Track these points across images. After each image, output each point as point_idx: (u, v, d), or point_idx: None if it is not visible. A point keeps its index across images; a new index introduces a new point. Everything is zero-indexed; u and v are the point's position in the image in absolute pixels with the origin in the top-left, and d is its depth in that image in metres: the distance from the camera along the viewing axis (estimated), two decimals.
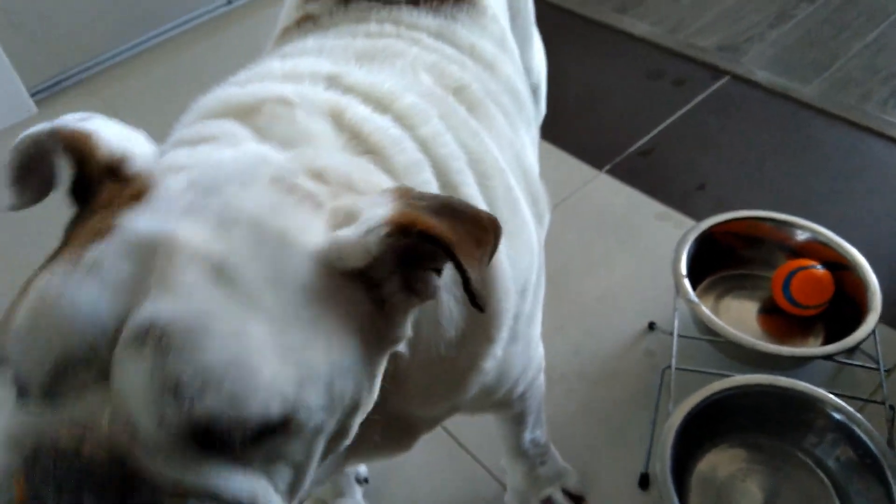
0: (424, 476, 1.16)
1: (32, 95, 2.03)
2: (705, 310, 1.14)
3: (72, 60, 2.11)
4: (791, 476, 1.05)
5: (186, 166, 0.49)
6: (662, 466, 0.97)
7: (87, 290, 0.41)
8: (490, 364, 0.65)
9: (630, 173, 1.61)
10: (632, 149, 1.68)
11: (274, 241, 0.45)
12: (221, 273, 0.42)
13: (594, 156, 1.66)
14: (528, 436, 0.99)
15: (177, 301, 0.41)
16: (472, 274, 0.46)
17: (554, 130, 1.59)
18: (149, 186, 0.47)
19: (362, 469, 1.14)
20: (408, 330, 0.52)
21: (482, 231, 0.49)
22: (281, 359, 0.42)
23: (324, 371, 0.45)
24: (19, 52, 1.96)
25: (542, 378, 0.90)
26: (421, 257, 0.49)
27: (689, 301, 1.16)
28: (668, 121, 1.74)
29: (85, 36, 2.09)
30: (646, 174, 1.61)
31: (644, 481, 1.10)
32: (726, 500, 1.05)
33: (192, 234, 0.43)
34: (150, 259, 0.42)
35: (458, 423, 1.20)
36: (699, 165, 1.62)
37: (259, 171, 0.49)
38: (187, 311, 0.41)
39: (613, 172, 1.62)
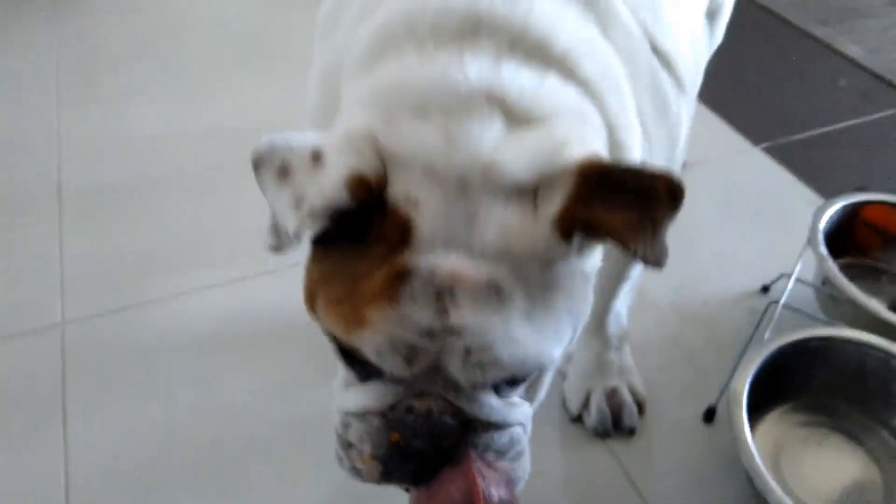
0: None
1: None
2: (832, 263, 1.05)
3: None
4: (873, 455, 0.95)
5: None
6: (738, 391, 0.90)
7: (417, 315, 0.55)
8: None
9: (788, 157, 1.52)
10: (796, 136, 1.58)
11: (523, 257, 0.56)
12: (492, 288, 0.55)
13: (752, 131, 1.58)
14: (616, 304, 0.95)
15: (472, 310, 0.55)
16: (643, 251, 0.53)
17: (716, 99, 1.54)
18: (409, 222, 0.56)
19: None
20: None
21: (658, 207, 0.55)
22: (539, 338, 0.57)
23: (566, 339, 0.61)
24: None
25: None
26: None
27: (818, 253, 1.07)
28: (844, 123, 1.63)
29: None
30: (805, 162, 1.51)
31: (710, 415, 1.03)
32: (790, 459, 0.96)
33: (464, 267, 0.55)
34: (443, 290, 0.55)
35: None
36: (865, 170, 1.51)
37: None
38: (481, 312, 0.55)
39: (770, 151, 1.54)
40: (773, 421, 0.99)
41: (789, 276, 1.09)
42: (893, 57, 1.89)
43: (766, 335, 1.01)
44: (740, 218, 1.38)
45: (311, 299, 0.65)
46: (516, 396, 0.63)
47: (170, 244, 1.31)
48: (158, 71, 1.78)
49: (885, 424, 0.95)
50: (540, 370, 0.62)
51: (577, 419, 1.02)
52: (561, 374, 1.08)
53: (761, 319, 1.08)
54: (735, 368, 1.00)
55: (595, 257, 0.63)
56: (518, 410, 0.63)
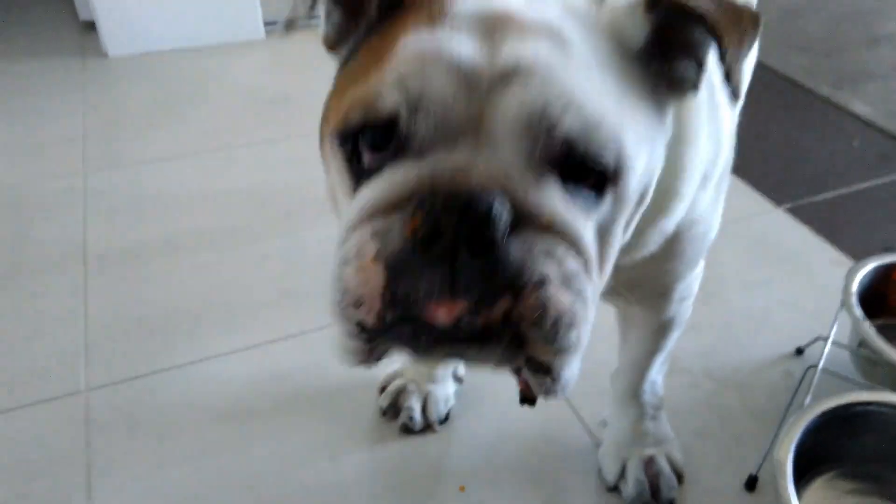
0: (515, 404, 1.10)
1: (265, 24, 2.25)
2: (868, 326, 1.04)
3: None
4: None
5: None
6: (782, 459, 0.87)
7: (457, 45, 0.48)
8: (677, 208, 0.64)
9: (811, 218, 1.52)
10: (818, 197, 1.59)
11: (579, 14, 0.51)
12: (553, 34, 0.49)
13: (775, 193, 1.58)
14: (651, 374, 0.93)
15: (531, 47, 0.48)
16: (733, 52, 0.49)
17: (736, 162, 1.54)
18: None
19: (461, 368, 1.11)
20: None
21: (744, 19, 0.52)
22: (614, 108, 0.49)
23: (644, 136, 0.52)
24: None
25: (691, 301, 0.85)
26: (685, 45, 0.54)
27: (853, 315, 1.06)
28: (864, 184, 1.63)
29: None
30: (829, 223, 1.51)
31: (752, 483, 0.99)
32: None
33: (518, 7, 0.50)
34: (494, 25, 0.49)
35: None
36: (889, 230, 1.51)
37: None
38: (541, 53, 0.48)
39: (793, 212, 1.54)
40: (819, 488, 0.95)
41: (825, 339, 1.07)
42: None
43: (806, 399, 0.99)
44: (767, 279, 1.37)
45: (326, 117, 0.57)
46: (584, 219, 0.49)
47: (192, 308, 1.31)
48: (182, 135, 1.81)
49: None
50: (616, 158, 0.49)
51: (614, 489, 0.99)
52: (595, 442, 1.06)
53: (800, 384, 1.05)
54: (776, 435, 0.97)
55: (667, 116, 0.56)
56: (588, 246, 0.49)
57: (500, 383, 1.14)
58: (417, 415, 1.05)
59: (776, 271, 1.39)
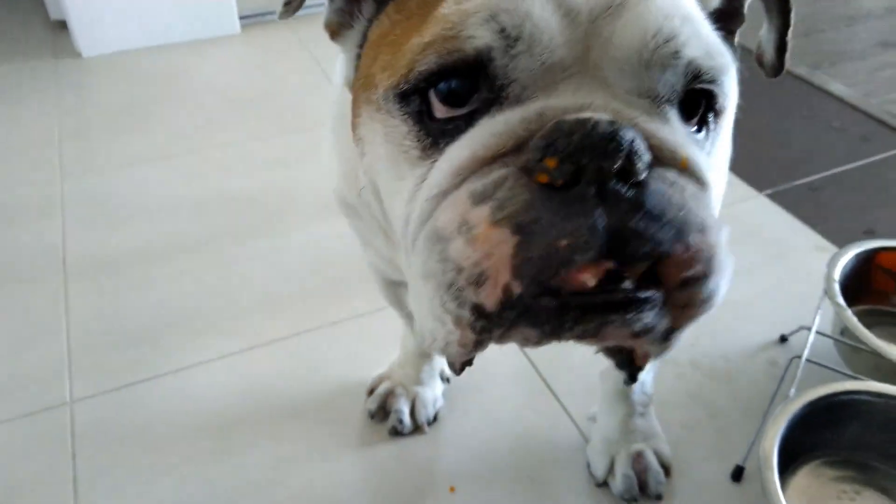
0: (504, 403, 1.11)
1: (241, 18, 2.22)
2: (850, 314, 1.04)
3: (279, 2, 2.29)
4: None
5: None
6: (768, 450, 0.88)
7: None
8: None
9: (793, 203, 1.53)
10: (800, 181, 1.59)
11: None
12: None
13: (756, 179, 1.59)
14: (641, 375, 0.93)
15: None
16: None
17: None
18: None
19: (447, 368, 1.11)
20: None
21: None
22: (717, 40, 0.46)
23: (731, 67, 0.48)
24: None
25: None
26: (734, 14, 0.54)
27: (836, 303, 1.06)
28: (846, 166, 1.64)
29: None
30: (811, 208, 1.52)
31: (738, 474, 1.00)
32: None
33: None
34: None
35: (551, 365, 1.16)
36: (871, 213, 1.51)
37: None
38: None
39: (774, 198, 1.54)
40: (805, 477, 0.96)
41: (809, 328, 1.08)
42: (887, 98, 1.91)
43: (791, 390, 0.99)
44: (751, 266, 1.38)
45: (367, 83, 0.48)
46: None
47: (175, 315, 1.30)
48: (159, 136, 1.79)
49: None
50: (728, 88, 0.47)
51: (603, 485, 0.99)
52: (584, 439, 1.06)
53: (784, 375, 1.06)
54: (762, 427, 0.98)
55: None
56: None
57: (487, 382, 1.14)
58: (406, 417, 1.05)
59: (759, 258, 1.39)
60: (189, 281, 1.36)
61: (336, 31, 0.55)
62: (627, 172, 0.38)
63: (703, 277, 0.40)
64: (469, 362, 0.48)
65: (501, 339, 0.42)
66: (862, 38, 2.24)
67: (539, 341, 0.42)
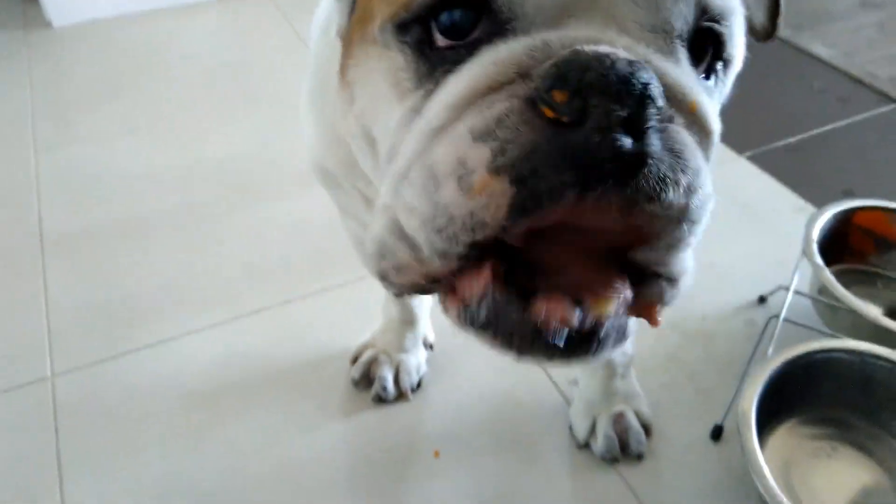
0: (487, 368, 1.12)
1: None
2: (828, 273, 1.05)
3: None
4: (884, 466, 0.94)
5: None
6: (746, 409, 0.89)
7: None
8: None
9: (773, 164, 1.53)
10: (779, 143, 1.59)
11: None
12: None
13: (736, 141, 1.59)
14: None
15: None
16: None
17: None
18: None
19: (431, 335, 1.12)
20: None
21: None
22: None
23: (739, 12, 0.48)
24: None
25: None
26: None
27: (814, 263, 1.07)
28: (825, 128, 1.64)
29: None
30: (790, 169, 1.52)
31: (717, 433, 1.02)
32: (800, 474, 0.95)
33: None
34: None
35: None
36: (849, 174, 1.52)
37: None
38: None
39: (754, 160, 1.55)
40: (782, 436, 0.98)
41: (787, 288, 1.09)
42: (867, 59, 1.91)
43: (769, 350, 1.01)
44: (731, 228, 1.38)
45: (363, 16, 0.46)
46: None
47: (157, 286, 1.29)
48: (136, 108, 1.76)
49: (894, 434, 0.95)
50: (737, 30, 0.47)
51: (585, 446, 1.01)
52: (566, 401, 1.07)
53: (762, 335, 1.07)
54: (740, 386, 0.99)
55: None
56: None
57: (470, 348, 1.15)
58: (390, 384, 1.06)
59: (739, 220, 1.40)
60: (169, 253, 1.35)
61: None
62: (638, 120, 0.35)
63: (696, 222, 0.41)
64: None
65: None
66: None
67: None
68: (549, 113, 0.35)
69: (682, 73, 0.41)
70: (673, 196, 0.38)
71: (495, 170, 0.36)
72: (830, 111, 1.70)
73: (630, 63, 0.35)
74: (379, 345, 1.08)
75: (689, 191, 0.39)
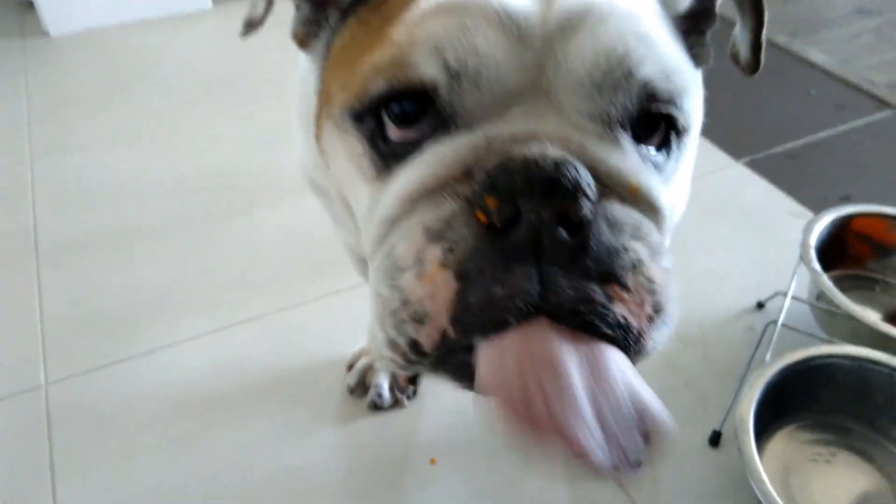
0: None
1: None
2: (826, 279, 1.05)
3: None
4: (883, 471, 0.93)
5: None
6: (744, 415, 0.89)
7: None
8: None
9: (770, 170, 1.53)
10: (777, 149, 1.59)
11: None
12: None
13: (733, 147, 1.59)
14: None
15: None
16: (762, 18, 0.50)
17: None
18: None
19: None
20: None
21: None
22: (676, 54, 0.45)
23: (692, 86, 0.47)
24: None
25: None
26: (705, 16, 0.53)
27: (812, 269, 1.07)
28: (822, 134, 1.64)
29: None
30: (788, 175, 1.52)
31: (716, 439, 1.01)
32: (799, 480, 0.94)
33: None
34: None
35: None
36: (847, 179, 1.52)
37: None
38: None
39: (752, 166, 1.55)
40: (781, 441, 0.97)
41: (784, 294, 1.08)
42: (863, 65, 1.91)
43: (767, 356, 1.00)
44: (728, 233, 1.38)
45: (327, 98, 0.48)
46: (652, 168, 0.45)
47: (151, 294, 1.28)
48: (131, 116, 1.75)
49: (893, 440, 0.94)
50: (689, 107, 0.46)
51: None
52: None
53: (760, 340, 1.07)
54: (738, 392, 0.99)
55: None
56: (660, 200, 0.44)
57: None
58: (385, 392, 1.05)
59: (736, 226, 1.40)
60: (164, 261, 1.35)
61: (304, 40, 0.54)
62: (570, 215, 0.38)
63: (653, 310, 0.42)
64: (413, 382, 0.50)
65: (433, 373, 0.44)
66: (839, 5, 2.24)
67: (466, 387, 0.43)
68: (483, 219, 0.38)
69: (623, 156, 0.42)
70: (624, 260, 0.40)
71: (443, 265, 0.39)
72: (827, 117, 1.70)
73: (557, 165, 0.37)
74: (374, 352, 1.07)
75: (639, 254, 0.41)
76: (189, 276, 1.31)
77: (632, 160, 0.43)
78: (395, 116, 0.43)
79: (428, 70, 0.40)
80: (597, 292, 0.39)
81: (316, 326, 1.20)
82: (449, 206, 0.39)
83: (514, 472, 0.99)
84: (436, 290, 0.39)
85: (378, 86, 0.42)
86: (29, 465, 1.02)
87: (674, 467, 1.00)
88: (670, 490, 0.98)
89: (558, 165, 0.37)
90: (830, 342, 0.98)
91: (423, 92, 0.41)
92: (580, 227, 0.38)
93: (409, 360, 0.42)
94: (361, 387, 1.07)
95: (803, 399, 0.97)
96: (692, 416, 1.06)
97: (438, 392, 1.09)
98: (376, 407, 1.05)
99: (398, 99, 0.42)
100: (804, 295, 1.14)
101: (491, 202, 0.37)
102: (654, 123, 0.45)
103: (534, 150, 0.38)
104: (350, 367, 1.09)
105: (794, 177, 1.52)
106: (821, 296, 1.08)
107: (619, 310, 0.40)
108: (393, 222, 0.42)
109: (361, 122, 0.44)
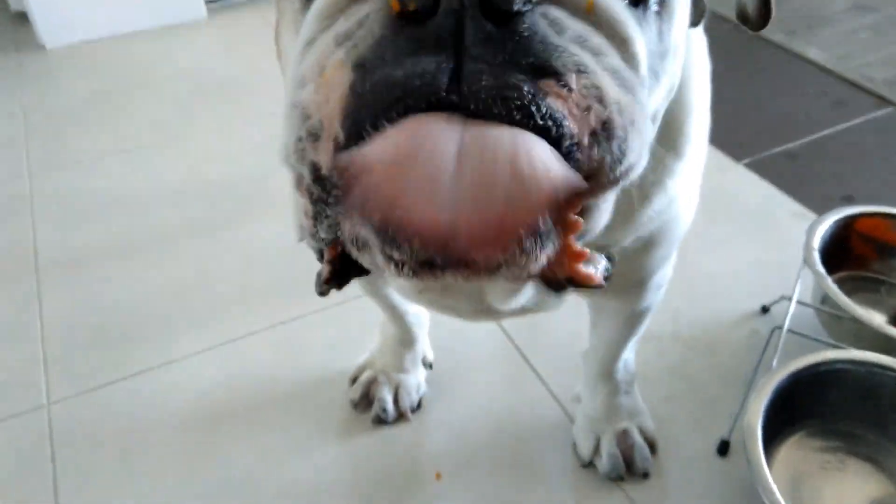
0: (487, 386, 1.11)
1: (207, 3, 2.17)
2: (831, 282, 1.04)
3: None
4: (894, 478, 0.93)
5: None
6: (752, 423, 0.88)
7: None
8: (670, 185, 0.61)
9: (771, 171, 1.52)
10: (777, 149, 1.58)
11: None
12: None
13: (734, 148, 1.58)
14: (624, 355, 0.92)
15: None
16: None
17: None
18: None
19: (430, 354, 1.10)
20: None
21: None
22: None
23: None
24: None
25: (663, 290, 0.83)
26: None
27: (816, 272, 1.06)
28: (823, 132, 1.63)
29: None
30: (789, 175, 1.51)
31: (724, 448, 1.00)
32: (810, 487, 0.94)
33: None
34: None
35: (533, 344, 1.15)
36: (849, 179, 1.51)
37: None
38: None
39: (752, 167, 1.54)
40: (790, 449, 0.96)
41: (789, 298, 1.08)
42: (862, 62, 1.90)
43: (773, 361, 0.99)
44: (731, 237, 1.37)
45: None
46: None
47: (152, 309, 1.27)
48: (128, 128, 1.75)
49: None
50: None
51: (589, 465, 0.99)
52: (569, 418, 1.06)
53: (766, 346, 1.06)
54: (745, 400, 0.98)
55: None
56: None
57: (469, 366, 1.13)
58: (390, 405, 1.04)
59: (739, 228, 1.39)
60: (164, 274, 1.34)
61: None
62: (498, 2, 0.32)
63: (603, 130, 0.35)
64: (333, 281, 0.41)
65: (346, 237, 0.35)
66: (836, 2, 2.23)
67: (392, 260, 0.34)
68: (395, 6, 0.33)
69: None
70: (565, 59, 0.34)
71: (341, 63, 0.34)
72: (827, 116, 1.69)
73: None
74: (377, 365, 1.06)
75: (584, 60, 0.35)
76: (189, 288, 1.31)
77: None
78: None
79: None
80: (525, 82, 0.33)
81: (317, 339, 1.20)
82: (364, 9, 0.35)
83: (521, 485, 0.98)
84: (329, 91, 0.34)
85: None
86: (32, 486, 1.01)
87: (681, 477, 0.99)
88: (679, 501, 0.97)
89: None
90: (837, 347, 0.97)
91: None
92: (510, 18, 0.33)
93: (314, 204, 0.35)
94: (365, 400, 1.06)
95: (811, 405, 0.96)
96: (699, 423, 1.05)
97: (443, 404, 1.09)
98: (380, 421, 1.05)
99: None
100: (809, 298, 1.13)
101: (394, 4, 0.33)
102: None
103: None
104: (353, 380, 1.08)
105: (796, 177, 1.51)
106: (825, 299, 1.07)
107: (553, 103, 0.33)
108: (308, 44, 0.37)
109: None
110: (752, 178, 1.51)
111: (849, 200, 1.45)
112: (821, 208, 1.41)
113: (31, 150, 1.69)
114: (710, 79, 0.70)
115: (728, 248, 1.35)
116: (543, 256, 0.33)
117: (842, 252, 1.19)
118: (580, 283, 0.37)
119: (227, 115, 1.77)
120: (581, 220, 0.35)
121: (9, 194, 1.55)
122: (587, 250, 0.37)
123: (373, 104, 0.32)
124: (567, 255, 0.35)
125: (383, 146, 0.32)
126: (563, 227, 0.34)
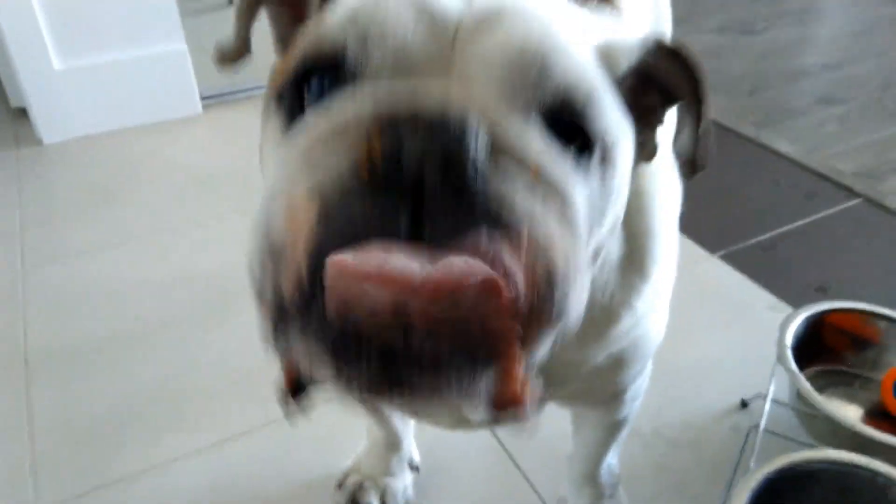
0: (473, 488, 1.12)
1: (202, 99, 2.25)
2: (804, 381, 1.07)
3: (241, 81, 2.33)
4: None
5: None
6: None
7: None
8: (638, 304, 0.64)
9: (746, 263, 1.57)
10: (750, 241, 1.64)
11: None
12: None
13: (708, 240, 1.64)
14: (607, 459, 0.95)
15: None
16: (707, 116, 0.50)
17: None
18: None
19: (416, 456, 1.12)
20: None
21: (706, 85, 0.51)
22: (606, 88, 0.45)
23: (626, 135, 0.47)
24: (203, 63, 2.20)
25: (641, 400, 0.87)
26: (649, 110, 0.52)
27: (789, 370, 1.09)
28: (795, 224, 1.70)
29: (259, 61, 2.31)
30: (763, 267, 1.57)
31: None
32: None
33: None
34: None
35: (520, 443, 1.17)
36: (822, 270, 1.57)
37: None
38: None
39: (727, 259, 1.59)
40: None
41: (765, 396, 1.11)
42: (830, 153, 1.99)
43: (751, 462, 1.02)
44: (707, 329, 1.41)
45: (270, 86, 0.48)
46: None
47: (143, 406, 1.28)
48: (124, 221, 1.79)
49: None
50: (606, 128, 0.44)
51: None
52: None
53: (744, 445, 1.08)
54: (725, 502, 1.00)
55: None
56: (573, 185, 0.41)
57: (456, 467, 1.15)
58: None
59: (716, 321, 1.43)
60: (155, 369, 1.35)
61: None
62: (457, 164, 0.35)
63: (548, 281, 0.37)
64: (297, 391, 0.44)
65: (307, 363, 0.39)
66: (806, 94, 2.34)
67: (350, 387, 0.38)
68: (365, 175, 0.36)
69: (529, 135, 0.40)
70: (517, 210, 0.36)
71: (309, 192, 0.36)
72: (798, 207, 1.76)
73: (448, 110, 0.36)
74: (364, 469, 1.07)
75: (534, 209, 0.37)
76: (181, 383, 1.32)
77: (536, 139, 0.40)
78: (314, 93, 0.43)
79: (339, 36, 0.42)
80: (482, 234, 0.35)
81: (305, 439, 1.21)
82: (336, 149, 0.38)
83: None
84: (295, 217, 0.36)
85: (298, 61, 0.43)
86: None
87: None
88: None
89: (447, 114, 0.36)
90: (812, 446, 1.00)
91: (334, 58, 0.42)
92: (467, 180, 0.35)
93: (274, 325, 0.39)
94: None
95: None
96: None
97: None
98: None
99: (313, 72, 0.43)
100: (785, 392, 1.16)
101: (374, 142, 0.35)
102: (567, 134, 0.42)
103: (428, 99, 0.37)
104: (340, 485, 1.09)
105: (770, 269, 1.56)
106: (800, 395, 1.10)
107: (508, 257, 0.35)
108: (283, 171, 0.40)
109: (281, 100, 0.45)
110: (727, 270, 1.56)
111: (822, 291, 1.50)
112: (796, 299, 1.46)
113: (25, 245, 1.72)
114: (680, 200, 0.75)
115: (706, 341, 1.38)
116: (484, 384, 0.36)
117: (816, 345, 1.22)
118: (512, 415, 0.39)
119: (221, 207, 1.82)
120: (523, 352, 0.37)
121: (1, 287, 1.58)
122: (526, 385, 0.38)
123: (335, 237, 0.35)
124: (507, 387, 0.37)
125: (345, 263, 0.34)
126: (507, 358, 0.36)
